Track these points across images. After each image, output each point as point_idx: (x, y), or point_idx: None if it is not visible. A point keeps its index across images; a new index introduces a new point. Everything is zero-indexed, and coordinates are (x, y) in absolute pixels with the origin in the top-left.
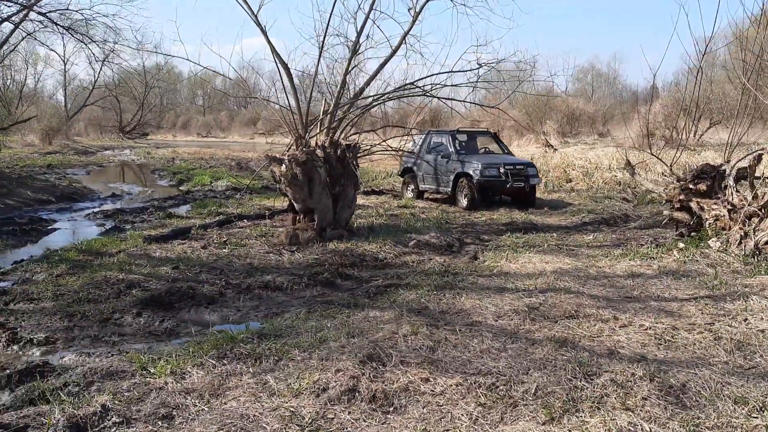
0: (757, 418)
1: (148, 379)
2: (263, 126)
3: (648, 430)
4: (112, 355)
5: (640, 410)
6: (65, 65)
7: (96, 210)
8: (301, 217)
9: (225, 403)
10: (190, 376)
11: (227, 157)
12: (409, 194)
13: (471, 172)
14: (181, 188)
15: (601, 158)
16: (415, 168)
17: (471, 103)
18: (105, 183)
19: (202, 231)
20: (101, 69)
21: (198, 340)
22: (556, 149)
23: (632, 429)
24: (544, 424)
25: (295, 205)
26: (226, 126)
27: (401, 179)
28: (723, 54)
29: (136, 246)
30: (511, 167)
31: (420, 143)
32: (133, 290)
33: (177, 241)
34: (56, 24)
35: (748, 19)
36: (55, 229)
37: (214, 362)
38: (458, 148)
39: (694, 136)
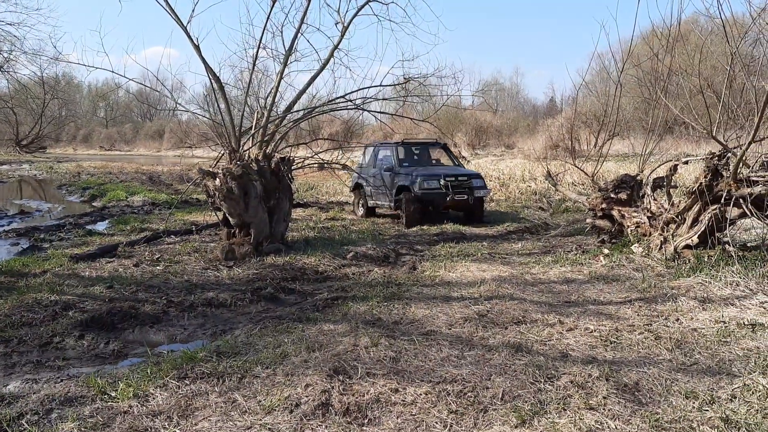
0: (708, 410)
1: (110, 403)
2: (170, 138)
3: (614, 427)
4: (62, 380)
5: (603, 409)
6: None
7: (6, 228)
8: (236, 231)
9: (196, 424)
10: (154, 398)
11: (137, 170)
12: (361, 210)
13: (410, 185)
14: (94, 204)
15: (513, 169)
16: (364, 183)
17: (402, 116)
18: (9, 200)
19: (130, 248)
20: None
21: (155, 360)
22: (469, 161)
23: (599, 427)
24: (516, 427)
25: (230, 219)
26: (130, 139)
27: (352, 194)
28: (614, 70)
29: (61, 265)
30: (453, 178)
31: (368, 156)
32: (69, 312)
33: (105, 260)
34: None
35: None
36: None
37: (176, 383)
38: (401, 160)
39: (595, 146)
